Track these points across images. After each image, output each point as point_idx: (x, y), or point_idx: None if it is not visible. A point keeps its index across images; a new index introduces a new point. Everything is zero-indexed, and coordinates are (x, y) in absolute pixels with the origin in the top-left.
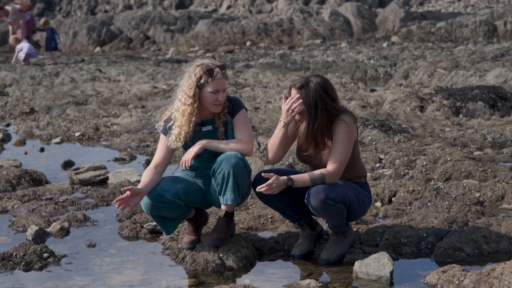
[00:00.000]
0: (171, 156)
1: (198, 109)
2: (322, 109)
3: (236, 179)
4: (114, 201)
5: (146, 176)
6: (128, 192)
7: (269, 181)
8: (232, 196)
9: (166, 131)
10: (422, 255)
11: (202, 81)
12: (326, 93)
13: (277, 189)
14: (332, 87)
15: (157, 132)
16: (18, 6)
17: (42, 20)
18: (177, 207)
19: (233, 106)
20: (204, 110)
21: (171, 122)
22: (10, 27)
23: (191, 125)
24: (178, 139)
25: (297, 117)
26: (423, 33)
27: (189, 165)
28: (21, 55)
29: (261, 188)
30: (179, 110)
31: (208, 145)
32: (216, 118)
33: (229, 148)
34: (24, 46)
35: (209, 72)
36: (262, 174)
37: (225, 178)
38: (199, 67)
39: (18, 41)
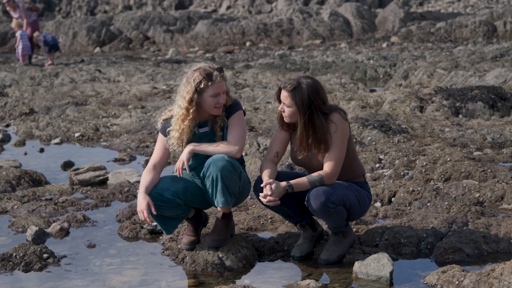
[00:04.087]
0: (169, 156)
1: (197, 113)
2: (314, 111)
3: (225, 182)
4: (145, 220)
5: (146, 178)
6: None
7: (267, 192)
8: (222, 199)
9: (165, 132)
10: (421, 255)
11: (202, 86)
12: (317, 94)
13: (278, 196)
14: (323, 89)
15: (157, 132)
16: (27, 5)
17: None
18: (176, 206)
19: (230, 107)
20: (202, 113)
21: (171, 127)
22: (24, 21)
23: (190, 129)
24: (179, 144)
25: (287, 120)
26: (422, 33)
27: (181, 173)
28: (18, 52)
29: (268, 202)
30: (177, 116)
31: (196, 149)
32: (212, 119)
33: (216, 150)
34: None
35: (208, 76)
36: (261, 185)
37: (214, 181)
38: (197, 72)
39: (20, 26)
